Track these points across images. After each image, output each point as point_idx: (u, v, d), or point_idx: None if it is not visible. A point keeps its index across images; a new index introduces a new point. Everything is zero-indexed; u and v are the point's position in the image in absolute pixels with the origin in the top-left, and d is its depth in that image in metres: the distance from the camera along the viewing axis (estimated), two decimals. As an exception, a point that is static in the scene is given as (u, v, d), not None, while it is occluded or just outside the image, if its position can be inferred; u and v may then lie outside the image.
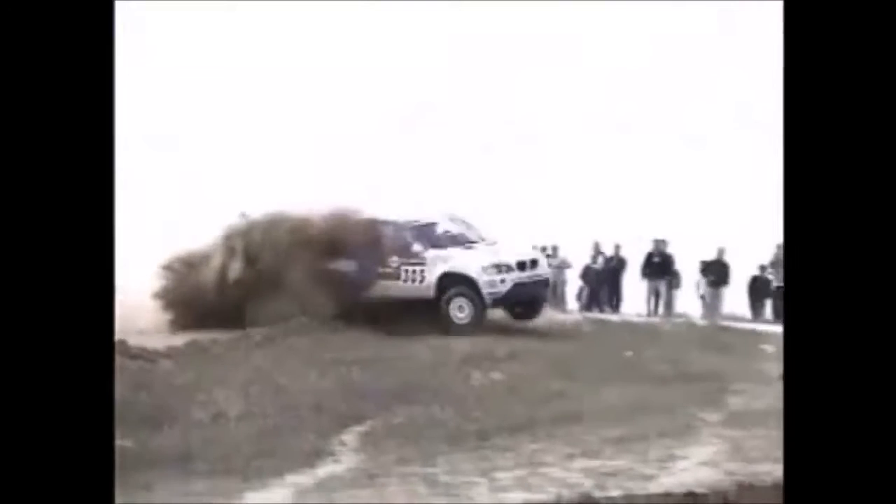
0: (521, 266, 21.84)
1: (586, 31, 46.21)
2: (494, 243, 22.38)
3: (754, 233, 28.47)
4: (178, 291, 22.39)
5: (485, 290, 21.09)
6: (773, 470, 11.10)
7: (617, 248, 29.13)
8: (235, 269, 21.63)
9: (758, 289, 26.24)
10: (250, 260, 21.72)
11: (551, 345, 20.81)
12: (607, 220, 33.78)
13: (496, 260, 21.48)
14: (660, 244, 27.41)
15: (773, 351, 19.83)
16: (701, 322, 25.48)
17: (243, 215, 23.73)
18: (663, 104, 44.98)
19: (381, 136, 43.15)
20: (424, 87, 45.27)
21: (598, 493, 10.65)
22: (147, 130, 38.90)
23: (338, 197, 27.99)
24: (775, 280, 25.48)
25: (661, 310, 27.51)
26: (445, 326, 21.13)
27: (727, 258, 27.83)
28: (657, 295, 27.84)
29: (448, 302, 21.17)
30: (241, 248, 21.94)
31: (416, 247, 21.41)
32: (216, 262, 22.08)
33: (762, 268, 26.55)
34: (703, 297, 27.03)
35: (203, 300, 21.64)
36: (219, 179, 37.34)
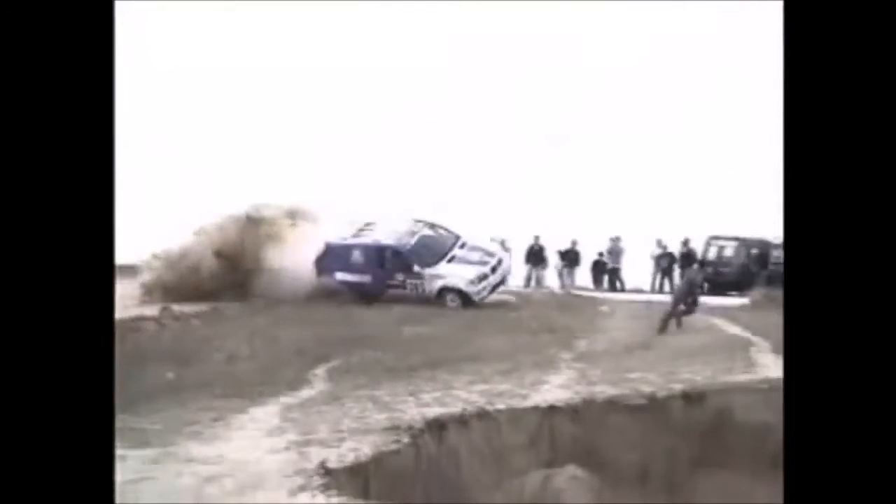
0: (493, 269, 27.80)
1: (586, 31, 44.68)
2: (465, 244, 28.03)
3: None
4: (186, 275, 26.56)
5: (473, 297, 27.06)
6: (606, 390, 17.12)
7: (536, 239, 33.36)
8: (213, 260, 26.65)
9: (598, 268, 32.55)
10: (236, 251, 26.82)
11: (465, 310, 26.44)
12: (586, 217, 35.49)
13: (481, 272, 27.37)
14: (537, 239, 32.44)
15: (608, 310, 27.15)
16: (559, 292, 31.35)
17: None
18: (663, 104, 43.66)
19: (380, 136, 42.10)
20: (420, 88, 43.99)
21: (489, 407, 15.54)
22: (144, 130, 37.95)
23: (337, 196, 29.01)
24: (610, 263, 32.41)
25: (533, 285, 32.91)
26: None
27: (600, 249, 33.53)
28: (531, 275, 33.35)
29: (444, 298, 27.03)
30: (223, 241, 26.88)
31: (416, 268, 26.80)
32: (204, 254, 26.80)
33: (600, 254, 32.60)
34: (560, 275, 33.11)
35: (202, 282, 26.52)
36: (225, 174, 37.07)
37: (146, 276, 26.37)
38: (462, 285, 26.90)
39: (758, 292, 27.91)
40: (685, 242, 32.97)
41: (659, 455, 16.42)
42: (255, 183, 33.53)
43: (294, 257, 26.16)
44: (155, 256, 26.84)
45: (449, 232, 28.49)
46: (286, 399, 16.74)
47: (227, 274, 26.27)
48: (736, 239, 33.34)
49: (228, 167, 38.50)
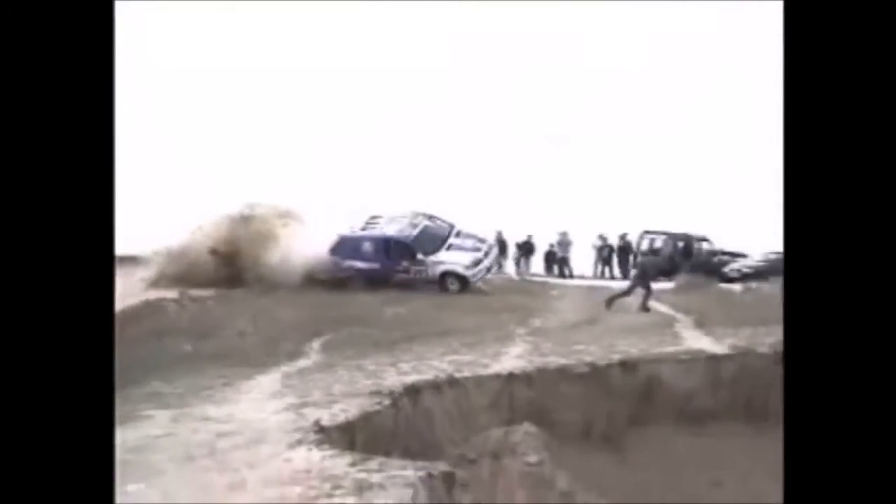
0: (486, 255, 27.83)
1: (586, 31, 41.54)
2: (459, 232, 27.81)
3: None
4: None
5: (469, 279, 26.96)
6: (555, 360, 17.26)
7: (499, 233, 32.72)
8: (209, 257, 26.05)
9: (550, 258, 32.89)
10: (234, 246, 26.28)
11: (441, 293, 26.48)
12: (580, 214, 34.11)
13: (475, 258, 27.31)
14: (500, 234, 32.12)
15: (558, 294, 27.49)
16: (516, 278, 31.74)
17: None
18: (663, 104, 40.78)
19: (379, 136, 39.54)
20: (419, 88, 41.14)
21: (457, 375, 15.70)
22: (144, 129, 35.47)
23: (337, 193, 28.63)
24: (559, 253, 32.65)
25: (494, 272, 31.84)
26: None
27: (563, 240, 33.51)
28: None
29: (445, 281, 26.85)
30: (218, 239, 26.31)
31: (419, 256, 26.69)
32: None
33: (551, 245, 32.97)
34: (517, 263, 33.53)
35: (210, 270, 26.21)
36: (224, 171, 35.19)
37: (151, 270, 25.86)
38: (460, 270, 26.90)
39: (682, 278, 28.10)
40: (622, 236, 33.10)
41: (599, 414, 16.59)
42: (251, 181, 32.43)
43: (285, 253, 25.75)
44: (156, 252, 26.33)
45: (445, 222, 28.35)
46: (286, 368, 16.84)
47: (223, 269, 25.83)
48: (665, 233, 33.47)
49: (225, 165, 36.66)
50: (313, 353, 18.45)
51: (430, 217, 28.13)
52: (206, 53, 41.39)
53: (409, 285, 26.49)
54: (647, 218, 32.88)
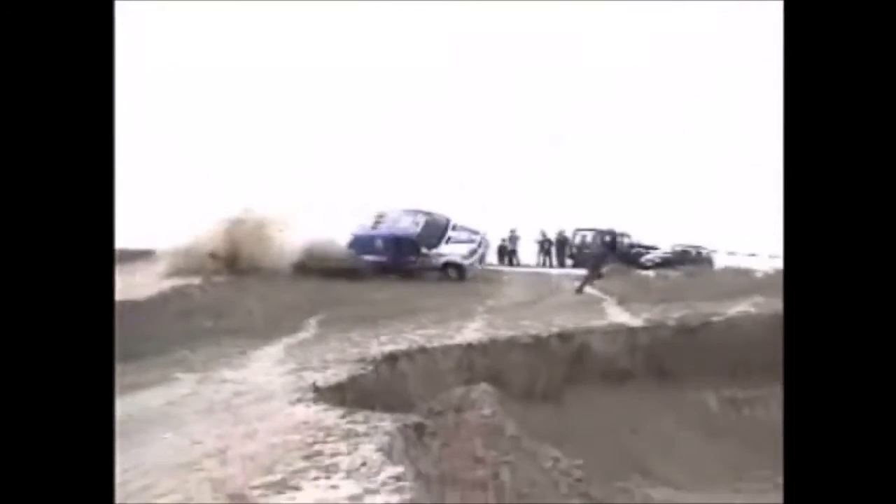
0: (479, 245, 26.92)
1: (586, 30, 36.72)
2: (455, 225, 26.73)
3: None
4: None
5: (467, 268, 26.09)
6: (506, 333, 17.33)
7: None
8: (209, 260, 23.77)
9: (502, 251, 31.45)
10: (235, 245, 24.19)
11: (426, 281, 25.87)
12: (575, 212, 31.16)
13: (471, 248, 26.46)
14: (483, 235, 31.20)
15: (508, 280, 26.74)
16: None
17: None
18: (663, 104, 35.96)
19: (378, 135, 35.47)
20: (419, 87, 36.72)
21: (427, 345, 15.76)
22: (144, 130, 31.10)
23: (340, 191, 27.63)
24: (509, 246, 31.31)
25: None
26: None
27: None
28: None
29: (446, 271, 25.94)
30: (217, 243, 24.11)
31: (424, 250, 25.77)
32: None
33: (503, 240, 31.49)
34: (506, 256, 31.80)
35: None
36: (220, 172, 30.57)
37: (165, 264, 23.61)
38: (459, 260, 26.25)
39: (608, 266, 28.21)
40: (560, 232, 33.07)
41: (541, 376, 16.66)
42: (250, 180, 29.44)
43: (280, 253, 24.11)
44: (164, 251, 24.21)
45: (441, 216, 27.24)
46: (288, 340, 16.79)
47: (223, 269, 23.73)
48: (593, 229, 33.49)
49: (224, 164, 32.21)
50: (311, 328, 18.36)
51: (429, 213, 27.03)
52: (205, 53, 37.32)
53: (415, 274, 25.73)
54: (643, 216, 30.76)
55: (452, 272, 26.08)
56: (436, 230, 26.62)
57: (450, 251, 26.41)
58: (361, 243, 25.93)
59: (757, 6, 28.72)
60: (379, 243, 25.91)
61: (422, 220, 26.56)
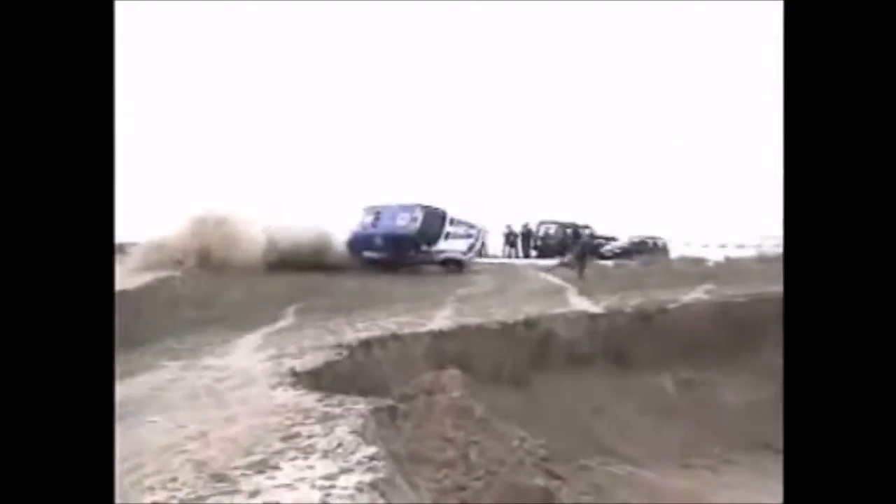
0: (476, 239, 26.99)
1: (586, 30, 36.34)
2: (452, 219, 25.98)
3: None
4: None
5: (465, 263, 26.28)
6: (475, 320, 17.39)
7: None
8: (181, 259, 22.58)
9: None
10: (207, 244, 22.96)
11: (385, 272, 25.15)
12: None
13: (470, 243, 26.46)
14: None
15: (476, 269, 26.69)
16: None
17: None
18: (663, 104, 35.78)
19: (376, 135, 36.04)
20: (419, 87, 36.93)
21: (399, 332, 15.70)
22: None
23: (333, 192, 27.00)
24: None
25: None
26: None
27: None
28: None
29: (446, 266, 25.79)
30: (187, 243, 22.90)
31: (424, 247, 25.27)
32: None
33: None
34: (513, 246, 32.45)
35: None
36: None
37: (135, 260, 22.18)
38: (459, 255, 25.99)
39: (569, 257, 28.48)
40: (525, 225, 33.25)
41: (507, 360, 16.81)
42: (236, 176, 29.47)
43: (248, 254, 23.04)
44: (137, 245, 22.90)
45: (437, 209, 25.87)
46: (267, 329, 16.72)
47: (196, 264, 22.30)
48: (556, 222, 33.72)
49: (203, 163, 31.71)
50: (289, 317, 18.29)
51: (426, 207, 25.68)
52: (205, 53, 36.51)
53: (415, 270, 25.12)
54: (603, 209, 31.35)
55: (451, 268, 25.58)
56: (434, 225, 25.59)
57: (449, 247, 25.82)
58: (361, 241, 24.98)
59: (757, 6, 27.18)
60: (378, 241, 24.84)
61: (420, 215, 25.31)
